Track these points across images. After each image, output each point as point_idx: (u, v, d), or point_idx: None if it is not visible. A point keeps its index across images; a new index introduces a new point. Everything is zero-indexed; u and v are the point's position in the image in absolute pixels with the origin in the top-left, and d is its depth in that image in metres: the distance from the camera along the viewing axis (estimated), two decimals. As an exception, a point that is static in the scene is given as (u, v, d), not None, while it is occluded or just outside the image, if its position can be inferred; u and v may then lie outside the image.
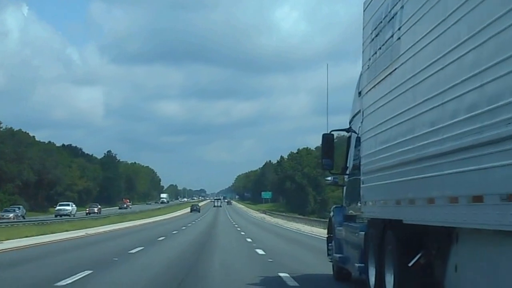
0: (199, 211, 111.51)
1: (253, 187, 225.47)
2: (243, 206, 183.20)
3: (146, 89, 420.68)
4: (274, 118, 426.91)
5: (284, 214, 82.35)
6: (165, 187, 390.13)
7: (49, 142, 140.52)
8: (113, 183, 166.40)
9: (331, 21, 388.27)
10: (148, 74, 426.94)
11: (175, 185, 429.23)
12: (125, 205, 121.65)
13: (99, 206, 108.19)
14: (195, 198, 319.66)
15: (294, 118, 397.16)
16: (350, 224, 10.70)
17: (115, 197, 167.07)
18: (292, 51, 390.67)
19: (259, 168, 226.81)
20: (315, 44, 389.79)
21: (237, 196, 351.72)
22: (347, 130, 11.55)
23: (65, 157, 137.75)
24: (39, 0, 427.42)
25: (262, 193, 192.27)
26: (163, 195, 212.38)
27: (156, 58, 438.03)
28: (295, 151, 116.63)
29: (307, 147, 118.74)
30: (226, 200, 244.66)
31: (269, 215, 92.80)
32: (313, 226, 49.32)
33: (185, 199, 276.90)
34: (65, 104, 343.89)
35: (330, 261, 12.44)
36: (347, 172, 11.34)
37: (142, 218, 64.64)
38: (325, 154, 11.51)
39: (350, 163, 11.13)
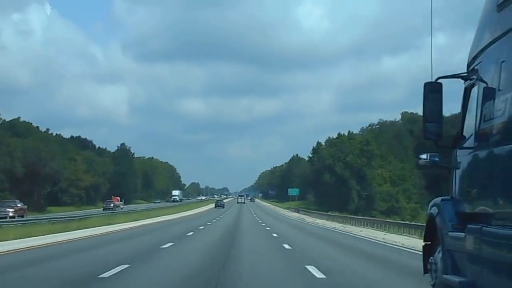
0: (223, 207, 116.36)
1: (279, 184, 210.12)
2: (269, 204, 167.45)
3: (168, 87, 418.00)
4: (297, 115, 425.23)
5: (329, 213, 66.87)
6: (187, 185, 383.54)
7: (56, 134, 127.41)
8: (126, 179, 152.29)
9: (353, 17, 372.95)
10: (170, 72, 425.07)
11: (197, 183, 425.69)
12: (112, 205, 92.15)
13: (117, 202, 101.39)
14: (216, 196, 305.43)
15: (316, 115, 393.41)
16: (477, 228, 6.42)
17: (129, 195, 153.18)
18: (314, 48, 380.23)
19: (285, 163, 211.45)
20: (338, 41, 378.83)
21: (260, 194, 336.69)
22: (465, 78, 7.53)
23: (72, 149, 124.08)
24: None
25: (289, 189, 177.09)
26: (175, 192, 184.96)
27: (178, 55, 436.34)
28: (334, 136, 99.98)
29: (350, 131, 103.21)
30: (249, 198, 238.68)
31: (304, 213, 77.70)
32: (386, 230, 33.90)
33: (202, 197, 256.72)
34: (88, 102, 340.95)
35: (432, 286, 7.96)
36: (465, 144, 7.17)
37: (121, 222, 45.01)
38: (429, 114, 7.31)
39: (471, 130, 6.96)
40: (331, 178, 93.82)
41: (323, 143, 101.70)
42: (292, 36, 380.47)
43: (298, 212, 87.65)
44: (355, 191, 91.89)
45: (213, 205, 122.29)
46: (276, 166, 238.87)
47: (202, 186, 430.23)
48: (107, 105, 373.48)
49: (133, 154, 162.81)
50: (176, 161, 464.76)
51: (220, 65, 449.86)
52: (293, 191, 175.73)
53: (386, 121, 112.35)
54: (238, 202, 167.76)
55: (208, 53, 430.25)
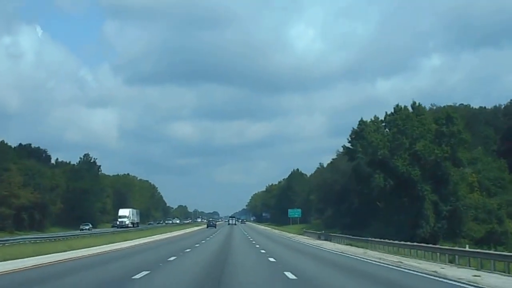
0: (215, 227, 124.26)
1: (276, 205, 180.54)
2: (267, 228, 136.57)
3: (159, 110, 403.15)
4: (289, 138, 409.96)
5: (401, 242, 36.93)
6: (174, 208, 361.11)
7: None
8: (90, 198, 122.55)
9: (348, 39, 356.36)
10: (160, 94, 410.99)
11: (185, 206, 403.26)
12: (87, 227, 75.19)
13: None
14: (199, 219, 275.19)
15: (309, 138, 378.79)
16: None
17: (94, 216, 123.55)
18: (308, 69, 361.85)
19: (283, 179, 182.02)
20: (332, 63, 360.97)
21: (253, 218, 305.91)
22: None
23: (13, 158, 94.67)
24: (52, 21, 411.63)
25: (289, 211, 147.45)
26: (123, 212, 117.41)
27: (169, 78, 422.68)
28: (388, 112, 65.74)
29: (416, 103, 64.34)
30: (239, 220, 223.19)
31: (349, 245, 45.90)
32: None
33: (177, 220, 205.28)
34: (77, 126, 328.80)
35: None
36: None
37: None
38: None
39: None
40: (386, 182, 59.02)
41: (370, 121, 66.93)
42: (284, 57, 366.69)
43: (325, 239, 58.44)
44: (430, 204, 56.71)
45: (194, 228, 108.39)
46: (273, 184, 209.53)
47: (190, 209, 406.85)
48: (96, 129, 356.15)
49: (99, 167, 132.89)
50: (165, 184, 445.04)
51: (211, 87, 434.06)
52: (294, 212, 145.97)
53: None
54: (229, 224, 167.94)
55: (199, 76, 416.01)
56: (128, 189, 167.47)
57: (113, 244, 42.93)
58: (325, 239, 58.94)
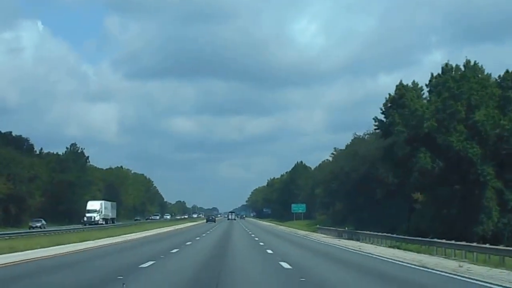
0: (214, 221, 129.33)
1: (278, 200, 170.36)
2: (270, 224, 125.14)
3: (159, 104, 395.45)
4: (291, 134, 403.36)
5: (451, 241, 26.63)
6: (173, 204, 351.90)
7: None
8: (76, 191, 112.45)
9: (349, 33, 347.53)
10: (161, 89, 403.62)
11: (183, 201, 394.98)
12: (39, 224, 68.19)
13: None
14: (195, 215, 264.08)
15: (311, 134, 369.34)
16: None
17: (80, 211, 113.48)
18: (309, 64, 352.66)
19: (286, 173, 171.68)
20: (333, 57, 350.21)
21: (252, 213, 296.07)
22: None
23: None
24: (53, 16, 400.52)
25: (293, 206, 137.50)
26: (93, 205, 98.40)
27: (169, 73, 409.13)
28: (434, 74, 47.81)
29: (471, 61, 49.21)
30: (238, 216, 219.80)
31: (395, 247, 33.96)
32: None
33: (167, 216, 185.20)
34: (77, 121, 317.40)
35: None
36: None
37: None
38: None
39: None
40: (435, 162, 45.48)
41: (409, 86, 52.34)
42: (286, 52, 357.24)
43: (349, 237, 48.19)
44: (493, 193, 43.15)
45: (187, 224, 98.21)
46: (274, 178, 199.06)
47: (189, 205, 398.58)
48: (96, 123, 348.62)
49: (87, 158, 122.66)
50: (164, 180, 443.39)
51: (211, 82, 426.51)
52: (298, 207, 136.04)
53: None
54: (228, 219, 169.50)
55: (200, 70, 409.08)
56: (121, 183, 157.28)
57: (49, 248, 31.50)
58: (349, 238, 48.67)
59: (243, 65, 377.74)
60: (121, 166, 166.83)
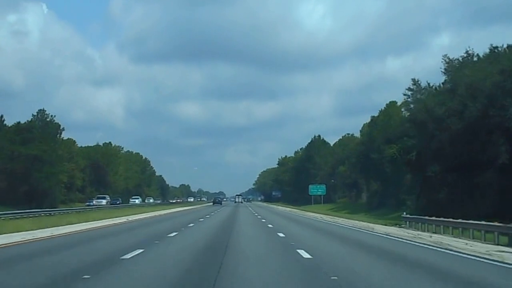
0: (221, 204, 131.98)
1: (291, 181, 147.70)
2: (287, 209, 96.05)
3: (165, 89, 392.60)
4: (297, 119, 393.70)
5: None
6: (177, 187, 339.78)
7: None
8: (46, 170, 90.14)
9: (357, 16, 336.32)
10: (167, 73, 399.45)
11: (187, 185, 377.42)
12: None
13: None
14: (191, 198, 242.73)
15: (318, 119, 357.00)
16: None
17: (51, 193, 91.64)
18: (316, 48, 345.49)
19: (300, 149, 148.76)
20: (341, 41, 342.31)
21: (260, 197, 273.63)
22: None
23: None
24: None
25: (310, 187, 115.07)
26: None
27: (175, 56, 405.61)
28: None
29: None
30: (246, 199, 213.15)
31: None
32: None
33: (150, 200, 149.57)
34: (83, 106, 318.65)
35: None
36: None
37: None
38: None
39: None
40: None
41: None
42: (293, 35, 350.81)
43: None
44: None
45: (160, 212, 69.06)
46: (286, 157, 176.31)
47: (194, 188, 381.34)
48: (102, 108, 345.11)
49: (61, 128, 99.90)
50: (171, 165, 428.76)
51: (218, 66, 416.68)
52: (317, 189, 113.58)
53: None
54: (235, 202, 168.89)
55: (206, 53, 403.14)
56: (108, 162, 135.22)
57: None
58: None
59: (249, 47, 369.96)
60: (110, 142, 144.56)
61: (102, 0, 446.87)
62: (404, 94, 63.62)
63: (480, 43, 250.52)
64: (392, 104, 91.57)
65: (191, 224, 37.65)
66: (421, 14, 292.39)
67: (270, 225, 37.65)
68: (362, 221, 48.55)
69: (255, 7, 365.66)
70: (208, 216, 53.55)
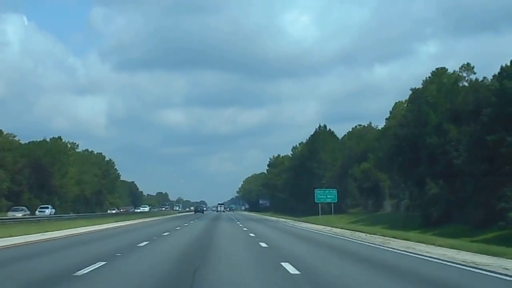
0: (202, 212, 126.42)
1: (288, 185, 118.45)
2: (297, 224, 58.12)
3: (148, 96, 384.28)
4: (282, 126, 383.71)
5: None
6: (153, 195, 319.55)
7: None
8: None
9: (343, 24, 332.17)
10: (150, 81, 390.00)
11: (165, 193, 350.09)
12: None
13: None
14: (144, 208, 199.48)
15: (303, 127, 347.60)
16: None
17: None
18: (301, 56, 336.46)
19: (299, 145, 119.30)
20: (326, 49, 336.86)
21: (244, 206, 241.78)
22: None
23: None
24: (39, 10, 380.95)
25: (317, 192, 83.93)
26: None
27: (159, 64, 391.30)
28: None
29: None
30: (228, 209, 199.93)
31: None
32: None
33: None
34: (65, 114, 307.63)
35: None
36: None
37: None
38: None
39: None
40: None
41: None
42: (278, 43, 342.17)
43: None
44: None
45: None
46: (280, 156, 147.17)
47: (173, 197, 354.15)
48: (84, 116, 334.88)
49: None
50: (152, 173, 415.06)
51: (202, 73, 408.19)
52: (325, 195, 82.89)
53: None
54: (217, 211, 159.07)
55: (190, 61, 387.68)
56: (54, 161, 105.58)
57: None
58: None
59: (234, 55, 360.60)
60: (60, 137, 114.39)
61: (83, 10, 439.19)
62: None
63: (466, 51, 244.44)
64: (442, 71, 63.89)
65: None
66: (406, 22, 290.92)
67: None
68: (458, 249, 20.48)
69: (239, 15, 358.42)
70: (145, 243, 24.05)
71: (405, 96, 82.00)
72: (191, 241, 25.66)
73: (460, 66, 58.35)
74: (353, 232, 36.03)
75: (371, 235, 32.24)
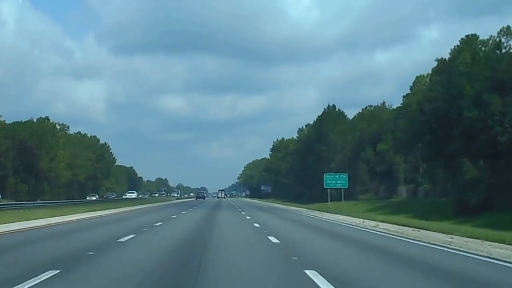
0: (204, 198, 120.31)
1: (294, 169, 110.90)
2: (317, 215, 50.19)
3: (148, 81, 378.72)
4: (282, 112, 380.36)
5: None
6: (153, 181, 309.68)
7: None
8: None
9: (344, 7, 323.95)
10: (150, 65, 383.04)
11: (165, 179, 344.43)
12: None
13: None
14: (157, 193, 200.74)
15: (303, 113, 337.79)
16: None
17: None
18: (302, 40, 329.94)
19: (306, 126, 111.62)
20: (327, 33, 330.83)
21: (245, 192, 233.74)
22: None
23: None
24: None
25: (326, 177, 75.81)
26: None
27: (158, 48, 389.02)
28: None
29: None
30: (228, 195, 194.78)
31: None
32: None
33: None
34: (63, 99, 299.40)
35: None
36: None
37: None
38: None
39: None
40: None
41: None
42: (279, 27, 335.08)
43: None
44: None
45: None
46: (284, 140, 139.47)
47: (173, 183, 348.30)
48: (82, 101, 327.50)
49: None
50: (153, 159, 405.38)
51: (202, 58, 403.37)
52: (335, 180, 74.62)
53: None
54: (217, 198, 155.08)
55: (190, 45, 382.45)
56: (41, 142, 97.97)
57: None
58: None
59: (234, 38, 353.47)
60: (47, 117, 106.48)
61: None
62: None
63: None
64: (473, 38, 56.15)
65: None
66: (408, 5, 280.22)
67: None
68: None
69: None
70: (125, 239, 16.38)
71: (408, 82, 74.89)
72: (162, 261, 17.74)
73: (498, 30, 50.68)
74: (398, 226, 27.97)
75: (420, 231, 24.42)
